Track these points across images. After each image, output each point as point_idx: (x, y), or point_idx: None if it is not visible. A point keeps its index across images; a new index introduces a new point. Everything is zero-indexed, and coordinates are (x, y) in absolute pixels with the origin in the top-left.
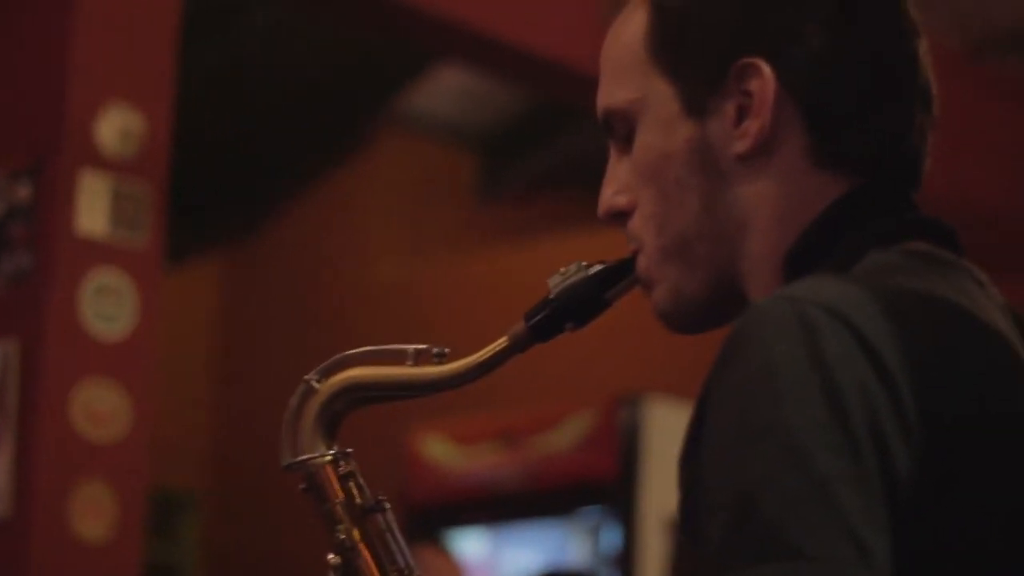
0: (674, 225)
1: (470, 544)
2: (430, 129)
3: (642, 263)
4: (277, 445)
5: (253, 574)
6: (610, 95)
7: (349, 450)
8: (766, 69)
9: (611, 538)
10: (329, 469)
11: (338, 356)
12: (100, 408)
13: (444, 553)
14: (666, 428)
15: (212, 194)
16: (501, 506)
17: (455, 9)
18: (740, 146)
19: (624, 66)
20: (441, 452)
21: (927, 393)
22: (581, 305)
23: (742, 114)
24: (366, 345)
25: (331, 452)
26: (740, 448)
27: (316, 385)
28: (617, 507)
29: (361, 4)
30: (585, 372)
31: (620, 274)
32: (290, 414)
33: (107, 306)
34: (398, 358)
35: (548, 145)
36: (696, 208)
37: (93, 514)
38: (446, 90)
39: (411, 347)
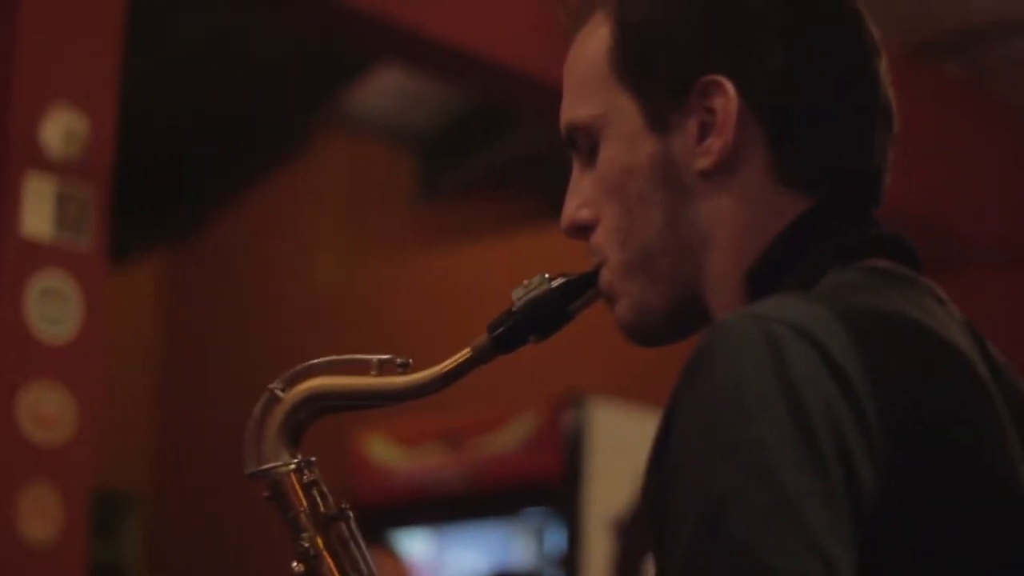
0: (637, 240)
1: (415, 545)
2: (369, 130)
3: (605, 277)
4: (219, 445)
5: (196, 574)
6: (573, 110)
7: (312, 459)
8: (729, 87)
9: (555, 539)
10: (293, 478)
11: (302, 365)
12: (46, 411)
13: (392, 554)
14: (610, 430)
15: (152, 194)
16: (445, 507)
17: (394, 10)
18: (703, 162)
19: (587, 81)
20: (385, 453)
21: (890, 410)
22: (544, 317)
23: (705, 131)
24: (308, 346)
25: (295, 461)
26: (707, 463)
27: (280, 394)
28: (561, 508)
29: (301, 5)
30: (529, 374)
31: (583, 287)
32: (254, 423)
33: (52, 308)
34: (361, 368)
35: (487, 146)
36: (659, 223)
37: (39, 516)
38: (385, 91)
39: (375, 357)
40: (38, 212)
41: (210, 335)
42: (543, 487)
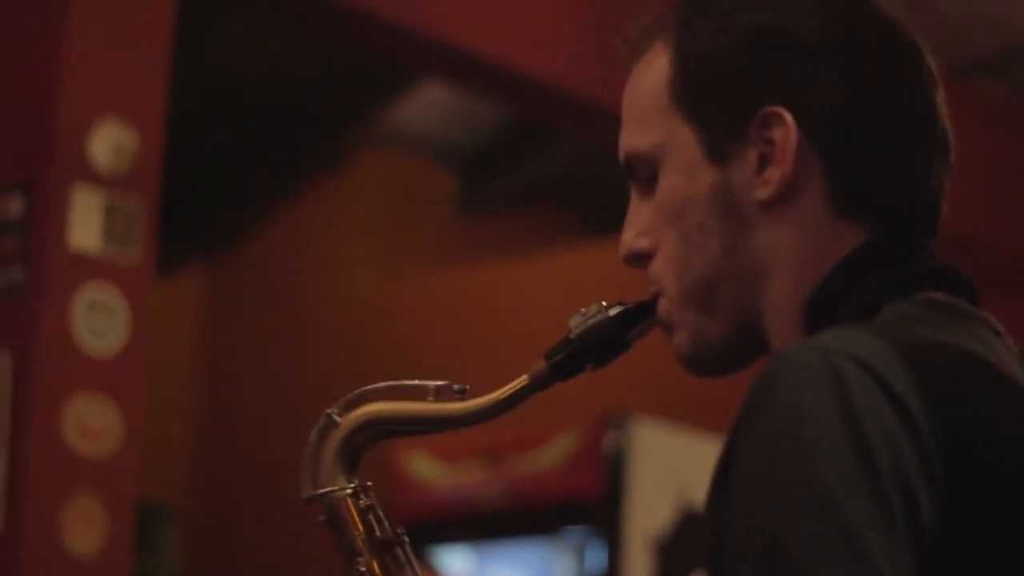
0: (695, 269)
1: (455, 562)
2: (410, 144)
3: (663, 306)
4: (256, 460)
5: None
6: (632, 139)
7: (369, 483)
8: (788, 118)
9: (596, 557)
10: (350, 502)
11: (359, 391)
12: (91, 423)
13: (432, 571)
14: (651, 449)
15: (194, 207)
16: (486, 524)
17: (437, 26)
18: (762, 193)
19: (647, 111)
20: (426, 469)
21: (948, 443)
22: (601, 345)
23: (764, 161)
24: (344, 361)
25: (351, 485)
26: (770, 496)
27: (337, 419)
28: (602, 527)
29: (344, 20)
30: (572, 392)
31: (641, 316)
32: (311, 447)
33: (99, 321)
34: (419, 393)
35: (526, 162)
36: (718, 252)
37: (84, 528)
38: (426, 106)
39: (432, 383)
40: (86, 225)
41: (248, 349)
42: (584, 505)
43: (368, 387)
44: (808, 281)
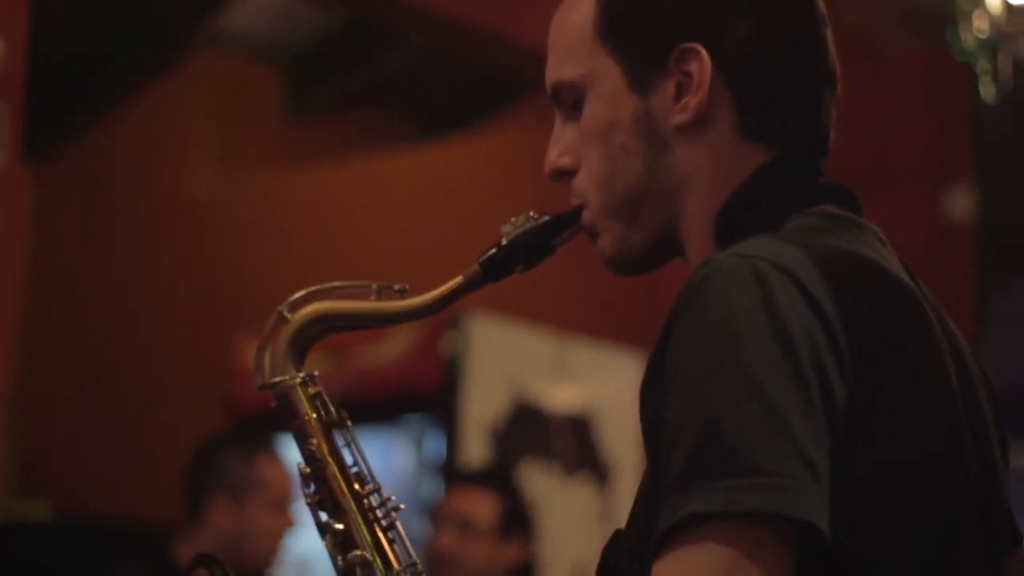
0: (619, 184)
1: (296, 451)
2: (241, 47)
3: (587, 216)
4: (89, 357)
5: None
6: (560, 70)
7: (316, 373)
8: (704, 53)
9: (434, 445)
10: (299, 390)
11: (307, 290)
12: None
13: (275, 458)
14: (488, 343)
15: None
16: None
17: None
18: (679, 119)
19: (574, 45)
20: None
21: (855, 335)
22: (530, 250)
23: (681, 91)
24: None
25: (301, 375)
26: (705, 382)
27: (287, 315)
28: (440, 416)
29: None
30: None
31: (566, 224)
32: (263, 341)
33: None
34: (362, 293)
35: (354, 65)
36: (640, 170)
37: None
38: (259, 8)
39: (374, 284)
40: None
41: (80, 248)
42: (422, 396)
43: (315, 287)
44: (719, 196)
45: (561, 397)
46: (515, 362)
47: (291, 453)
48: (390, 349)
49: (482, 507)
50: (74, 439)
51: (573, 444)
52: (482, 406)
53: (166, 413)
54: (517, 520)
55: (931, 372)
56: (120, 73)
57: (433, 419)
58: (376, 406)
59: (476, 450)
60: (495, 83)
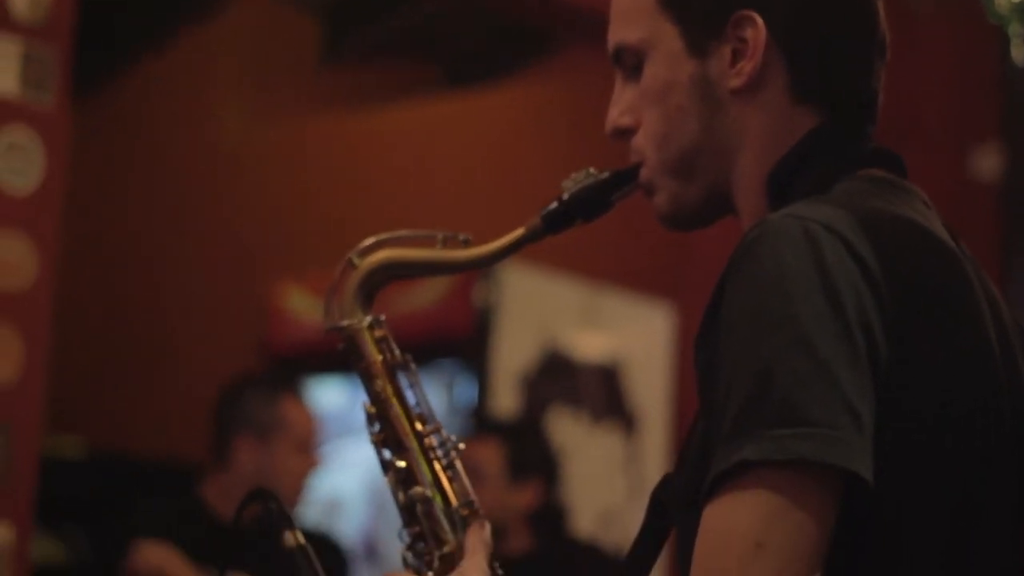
0: (676, 143)
1: (328, 393)
2: None
3: (645, 173)
4: (119, 299)
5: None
6: (622, 33)
7: (382, 317)
8: (759, 20)
9: (465, 390)
10: (366, 333)
11: (375, 238)
12: (8, 258)
13: (300, 402)
14: (519, 292)
15: None
16: None
17: None
18: (735, 82)
19: (636, 10)
20: (302, 304)
21: (899, 292)
22: (590, 205)
23: (737, 56)
24: (207, 206)
25: (368, 318)
26: (757, 335)
27: (356, 262)
28: (472, 362)
29: None
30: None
31: (625, 180)
32: (332, 286)
33: (16, 162)
34: (428, 242)
35: (389, 13)
36: (696, 131)
37: (2, 358)
38: None
39: (440, 233)
40: (5, 72)
41: (116, 189)
42: (455, 342)
43: (383, 235)
44: (771, 157)
45: (590, 346)
46: (546, 311)
47: (320, 395)
48: (425, 295)
49: (487, 455)
50: (107, 377)
51: (601, 392)
52: (513, 354)
53: (199, 354)
54: (529, 466)
55: (970, 330)
56: (158, 18)
57: (465, 365)
58: (409, 351)
59: (506, 397)
60: (526, 34)
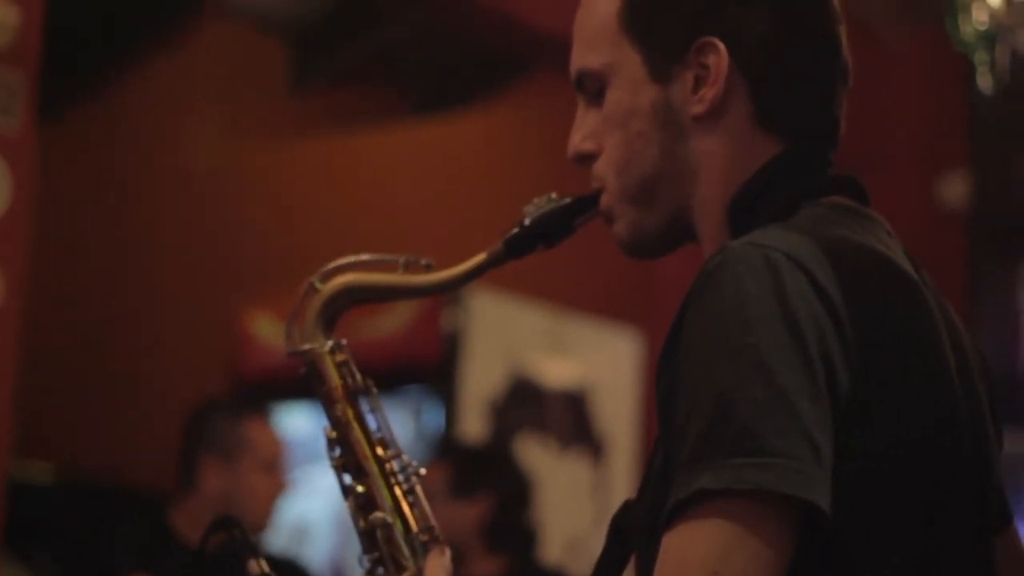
0: (636, 170)
1: (297, 419)
2: (245, 17)
3: (605, 200)
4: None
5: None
6: (584, 59)
7: (343, 342)
8: (722, 47)
9: (433, 417)
10: (327, 358)
11: (337, 262)
12: None
13: (269, 427)
14: (487, 318)
15: None
16: None
17: None
18: (697, 109)
19: (598, 35)
20: (270, 330)
21: (861, 323)
22: (551, 230)
23: (699, 83)
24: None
25: (329, 343)
26: (717, 365)
27: (318, 286)
28: (439, 388)
29: None
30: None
31: (586, 206)
32: (293, 310)
33: None
34: (389, 266)
35: (359, 38)
36: (656, 157)
37: None
38: None
39: (401, 257)
40: None
41: (84, 213)
42: (422, 368)
43: (343, 260)
44: (732, 184)
45: (558, 372)
46: (513, 337)
47: (289, 421)
48: (392, 321)
49: (429, 474)
50: (75, 402)
51: (569, 419)
52: (480, 380)
53: (168, 379)
54: (474, 482)
55: (931, 362)
56: (126, 41)
57: (432, 392)
58: (376, 377)
59: (474, 423)
60: (495, 59)
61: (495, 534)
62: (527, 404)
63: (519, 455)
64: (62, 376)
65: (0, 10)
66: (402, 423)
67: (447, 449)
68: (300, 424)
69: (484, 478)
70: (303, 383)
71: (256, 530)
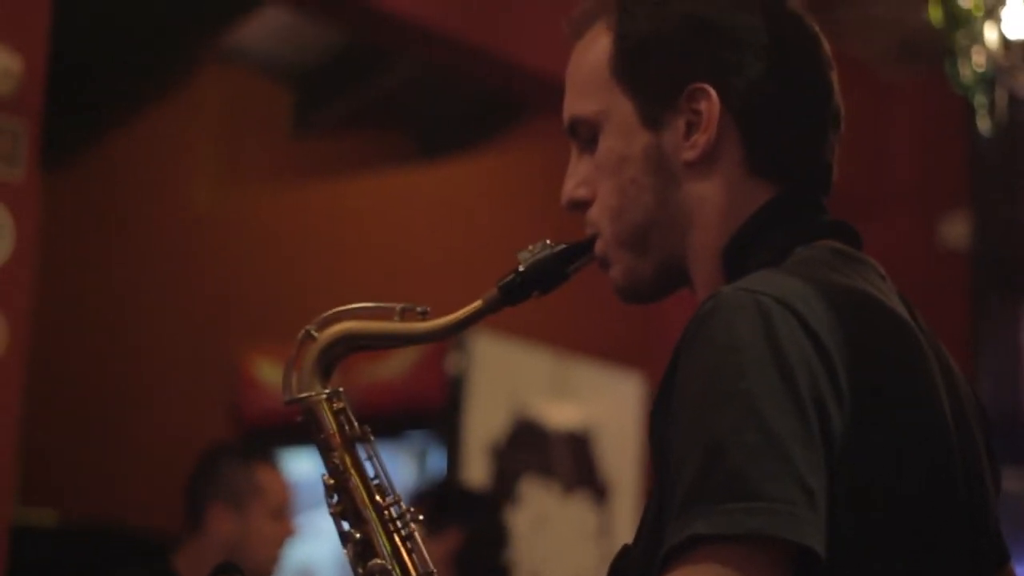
0: (629, 217)
1: (301, 463)
2: (250, 64)
3: (600, 246)
4: (92, 362)
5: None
6: (577, 106)
7: (341, 389)
8: (713, 93)
9: (436, 461)
10: (325, 405)
11: (334, 310)
12: None
13: (275, 471)
14: (490, 362)
15: None
16: None
17: None
18: (689, 155)
19: (590, 82)
20: (273, 375)
21: (855, 367)
22: (546, 276)
23: (691, 129)
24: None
25: (326, 391)
26: (709, 410)
27: (315, 334)
28: (442, 433)
29: None
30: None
31: (581, 253)
32: (291, 358)
33: None
34: (386, 314)
35: (361, 83)
36: (649, 204)
37: None
38: (267, 26)
39: (398, 305)
40: None
41: (87, 259)
42: (426, 413)
43: (341, 308)
44: (726, 229)
45: (561, 416)
46: (517, 381)
47: (292, 465)
48: (395, 366)
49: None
50: (78, 447)
51: (572, 462)
52: (484, 423)
53: (170, 424)
54: (445, 516)
55: (924, 405)
56: (130, 87)
57: (436, 435)
58: (380, 422)
59: (477, 467)
60: (497, 103)
61: (464, 571)
62: (531, 447)
63: (520, 495)
64: (65, 420)
65: (3, 58)
66: (406, 467)
67: (418, 488)
68: (304, 469)
69: (453, 515)
70: (305, 427)
71: (263, 574)
